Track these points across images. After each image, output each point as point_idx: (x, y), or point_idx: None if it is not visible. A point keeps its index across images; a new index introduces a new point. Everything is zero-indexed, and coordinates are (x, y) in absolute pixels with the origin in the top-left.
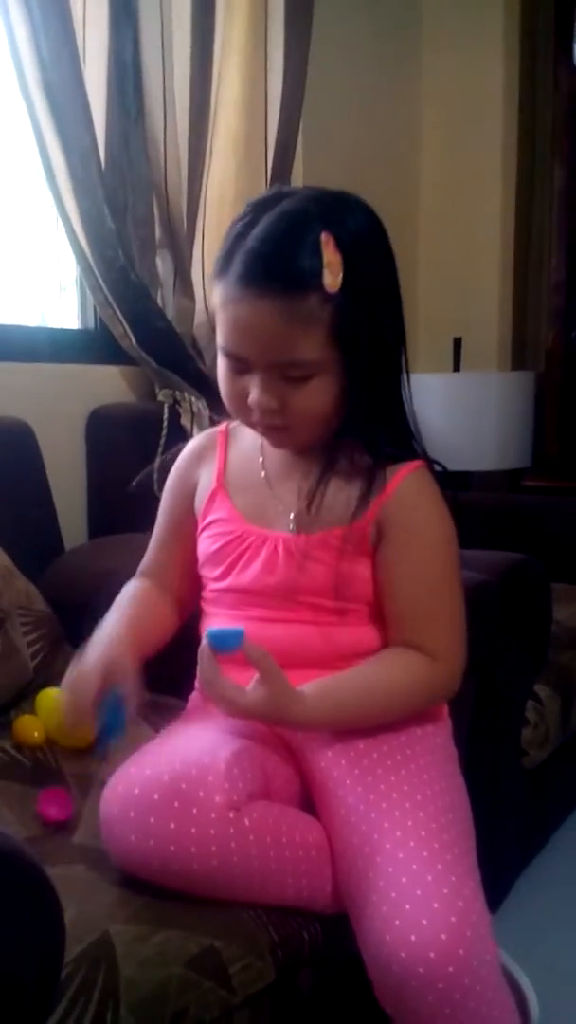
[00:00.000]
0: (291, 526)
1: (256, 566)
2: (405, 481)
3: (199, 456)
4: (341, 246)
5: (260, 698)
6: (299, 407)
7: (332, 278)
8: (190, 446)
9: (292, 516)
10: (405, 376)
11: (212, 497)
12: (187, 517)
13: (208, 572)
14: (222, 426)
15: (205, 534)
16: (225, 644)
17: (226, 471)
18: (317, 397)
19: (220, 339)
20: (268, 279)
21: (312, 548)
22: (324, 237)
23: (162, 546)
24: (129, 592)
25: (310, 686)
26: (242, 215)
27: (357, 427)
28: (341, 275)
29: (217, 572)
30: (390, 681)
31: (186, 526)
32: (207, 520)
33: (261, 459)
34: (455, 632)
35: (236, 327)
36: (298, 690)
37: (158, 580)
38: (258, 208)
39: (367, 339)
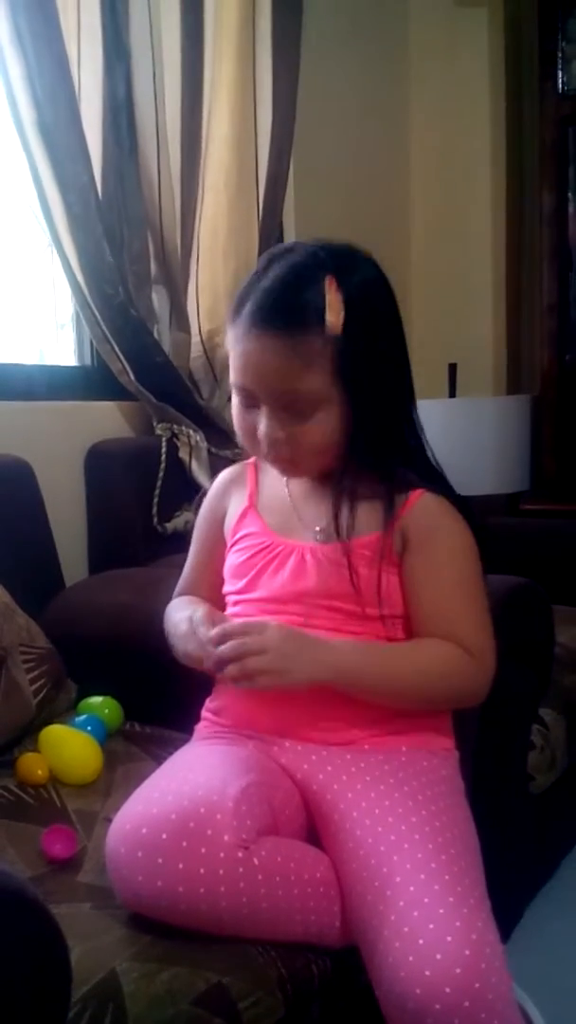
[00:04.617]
0: (318, 537)
1: (284, 574)
2: (423, 498)
3: (229, 486)
4: (344, 289)
5: (278, 628)
6: (303, 440)
7: (334, 317)
8: (220, 477)
9: (318, 529)
10: (414, 411)
11: (243, 515)
12: (217, 544)
13: (232, 586)
14: (251, 459)
15: (234, 549)
16: None
17: (258, 493)
18: (320, 431)
19: (232, 375)
20: (274, 318)
21: (340, 555)
22: (328, 279)
23: (193, 568)
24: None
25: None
26: (258, 265)
27: (365, 458)
28: (342, 315)
29: (242, 584)
30: (426, 652)
31: (217, 551)
32: (237, 536)
33: (287, 485)
34: (486, 633)
35: (243, 362)
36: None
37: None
38: (271, 258)
39: (368, 379)
